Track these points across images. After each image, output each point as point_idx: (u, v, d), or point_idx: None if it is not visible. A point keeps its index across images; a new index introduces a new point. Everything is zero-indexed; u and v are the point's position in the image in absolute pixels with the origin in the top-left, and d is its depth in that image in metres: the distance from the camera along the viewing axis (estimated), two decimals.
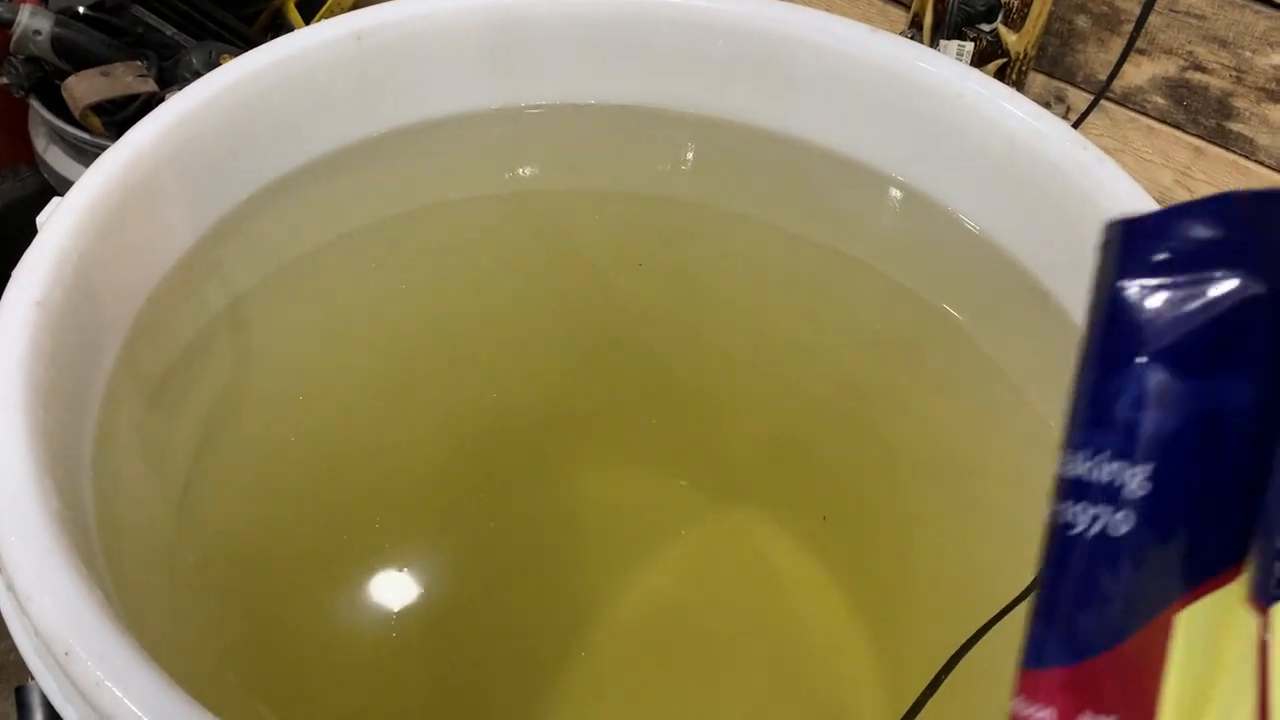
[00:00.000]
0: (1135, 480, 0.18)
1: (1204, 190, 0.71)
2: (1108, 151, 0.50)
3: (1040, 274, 0.52)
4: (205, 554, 0.46)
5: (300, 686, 0.46)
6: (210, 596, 0.46)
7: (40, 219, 0.43)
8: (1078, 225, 0.49)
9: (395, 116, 0.56)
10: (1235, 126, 0.67)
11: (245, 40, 0.86)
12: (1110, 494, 0.18)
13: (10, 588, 0.33)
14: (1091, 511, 0.19)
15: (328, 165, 0.55)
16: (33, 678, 0.35)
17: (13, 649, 0.35)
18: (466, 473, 0.54)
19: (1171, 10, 0.66)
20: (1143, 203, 0.48)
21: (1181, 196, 0.72)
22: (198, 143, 0.49)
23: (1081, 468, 0.19)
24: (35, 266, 0.41)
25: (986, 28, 0.69)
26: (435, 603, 0.48)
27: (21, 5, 0.78)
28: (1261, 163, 0.67)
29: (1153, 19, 0.67)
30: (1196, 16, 0.66)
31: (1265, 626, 0.17)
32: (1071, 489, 0.19)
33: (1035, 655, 0.20)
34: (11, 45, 0.78)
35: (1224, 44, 0.65)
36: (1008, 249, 0.53)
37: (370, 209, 0.58)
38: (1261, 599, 0.17)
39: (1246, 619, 0.17)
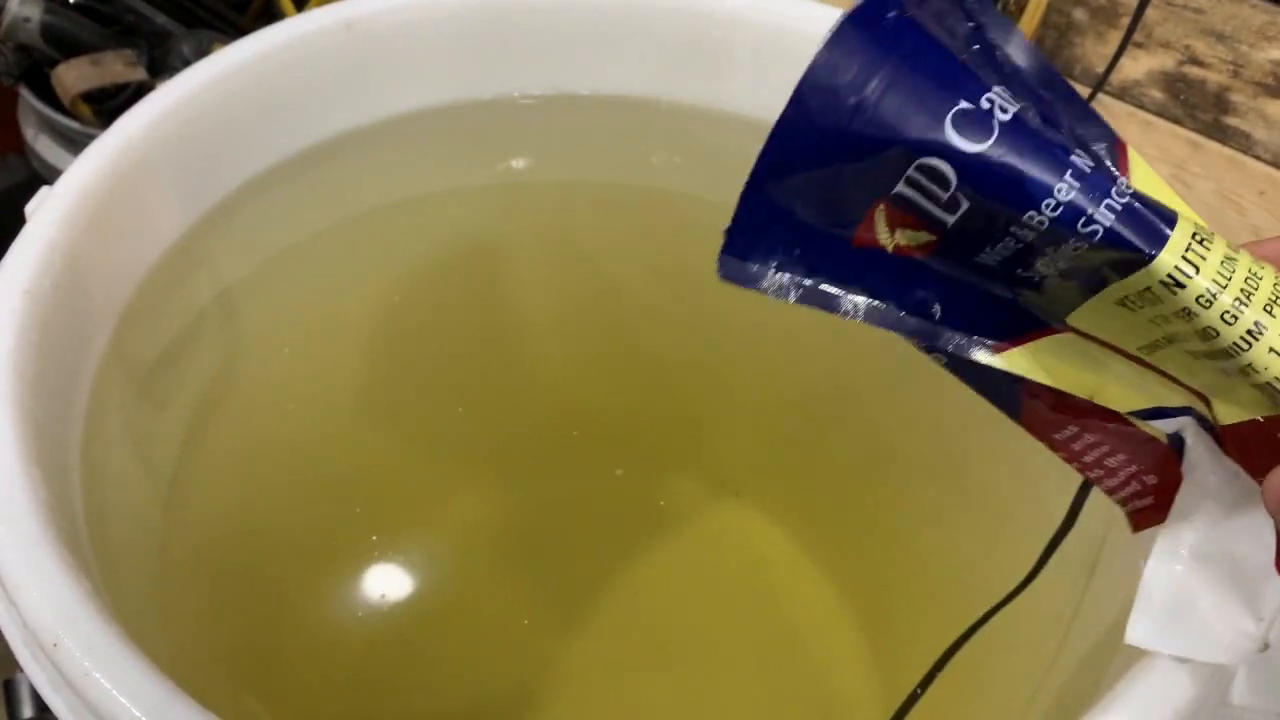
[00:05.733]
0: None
1: (1201, 185, 0.70)
2: None
3: None
4: (195, 546, 0.46)
5: (291, 681, 0.46)
6: (200, 589, 0.46)
7: (29, 208, 0.43)
8: None
9: (387, 106, 0.56)
10: (1232, 121, 0.67)
11: (237, 29, 0.85)
12: None
13: None
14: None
15: (319, 155, 0.54)
16: (20, 669, 0.35)
17: (0, 643, 0.35)
18: (460, 468, 0.54)
19: (1169, 4, 0.66)
20: None
21: (1178, 191, 0.71)
22: (188, 132, 0.48)
23: None
24: (23, 256, 0.40)
25: None
26: (429, 598, 0.48)
27: None
28: (1259, 157, 0.67)
29: (1150, 12, 0.66)
30: (1194, 10, 0.66)
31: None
32: None
33: None
34: (0, 33, 0.78)
35: (1221, 38, 0.65)
36: None
37: (362, 199, 0.57)
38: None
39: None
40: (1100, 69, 0.69)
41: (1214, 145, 0.69)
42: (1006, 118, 0.23)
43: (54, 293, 0.40)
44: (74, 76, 0.76)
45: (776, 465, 0.57)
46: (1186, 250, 0.22)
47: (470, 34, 0.56)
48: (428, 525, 0.51)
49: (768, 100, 0.57)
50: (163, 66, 0.81)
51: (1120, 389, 0.25)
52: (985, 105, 0.23)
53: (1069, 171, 0.22)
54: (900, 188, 0.23)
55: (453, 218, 0.59)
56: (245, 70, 0.50)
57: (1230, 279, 0.22)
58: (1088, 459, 0.27)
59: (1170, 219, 0.23)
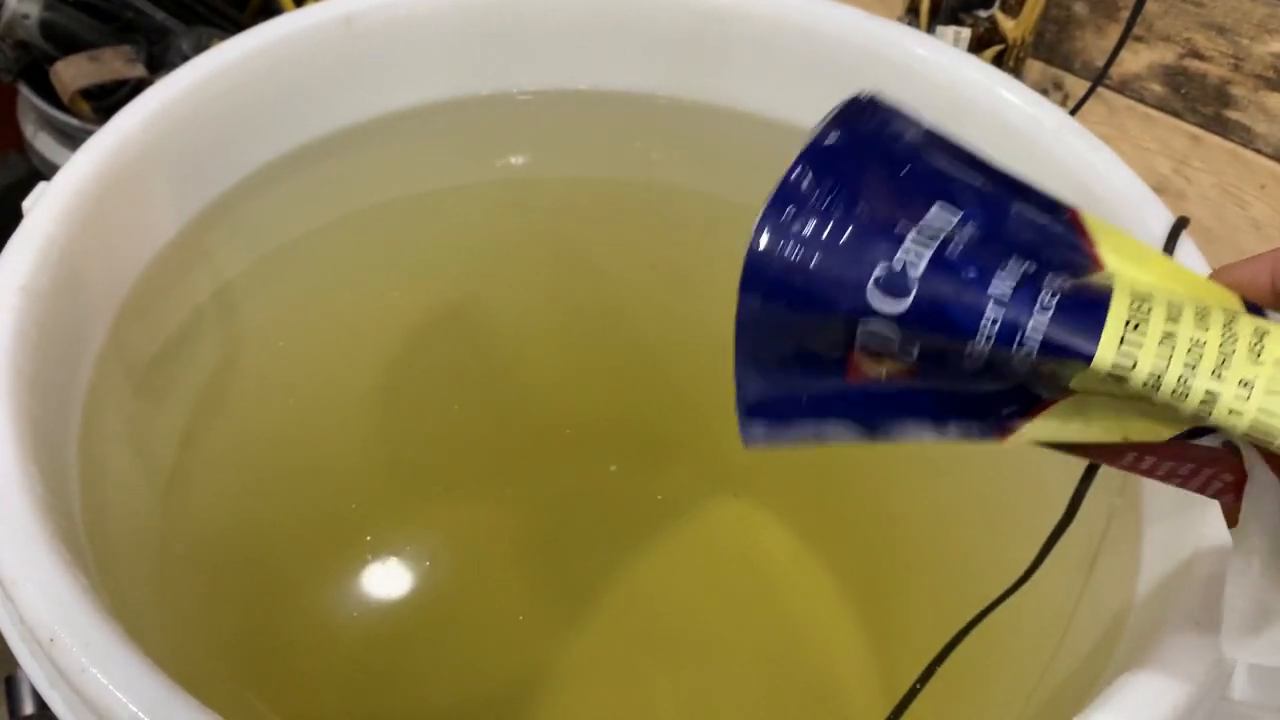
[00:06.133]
0: None
1: (1202, 179, 0.70)
2: (1105, 139, 0.49)
3: None
4: (193, 543, 0.46)
5: (291, 678, 0.46)
6: (199, 586, 0.46)
7: (26, 204, 0.43)
8: None
9: (385, 102, 0.56)
10: (1233, 114, 0.67)
11: (236, 25, 0.85)
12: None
13: None
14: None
15: (317, 151, 0.54)
16: (19, 666, 0.35)
17: (1, 641, 0.35)
18: (456, 464, 0.53)
19: None
20: (1139, 191, 0.47)
21: (1179, 185, 0.71)
22: (186, 127, 0.48)
23: None
24: (21, 252, 0.40)
25: (984, 13, 0.69)
26: (425, 594, 0.48)
27: None
28: (1259, 151, 0.67)
29: (1150, 5, 0.66)
30: (1194, 3, 0.65)
31: None
32: None
33: None
34: None
35: (1222, 31, 0.65)
36: None
37: (361, 195, 0.57)
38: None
39: None
40: (1100, 62, 0.69)
41: (1215, 139, 0.69)
42: (921, 268, 0.24)
43: (51, 288, 0.40)
44: (73, 73, 0.76)
45: (774, 460, 0.57)
46: (1122, 342, 0.22)
47: (469, 30, 0.55)
48: (424, 521, 0.51)
49: (766, 95, 0.57)
50: (162, 63, 0.81)
51: (1149, 424, 0.25)
52: (899, 264, 0.24)
53: (990, 302, 0.23)
54: (860, 342, 0.25)
55: (451, 214, 0.59)
56: (243, 66, 0.50)
57: (1171, 356, 0.22)
58: (1160, 473, 0.27)
59: (1102, 307, 0.23)
